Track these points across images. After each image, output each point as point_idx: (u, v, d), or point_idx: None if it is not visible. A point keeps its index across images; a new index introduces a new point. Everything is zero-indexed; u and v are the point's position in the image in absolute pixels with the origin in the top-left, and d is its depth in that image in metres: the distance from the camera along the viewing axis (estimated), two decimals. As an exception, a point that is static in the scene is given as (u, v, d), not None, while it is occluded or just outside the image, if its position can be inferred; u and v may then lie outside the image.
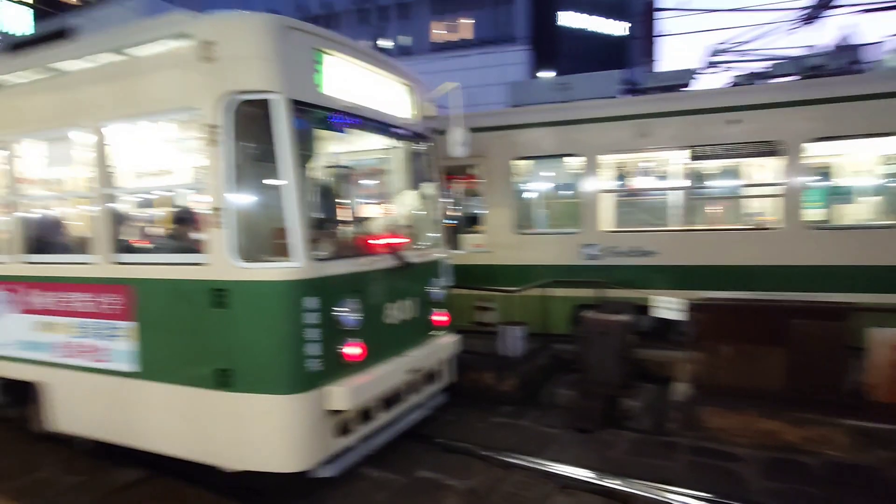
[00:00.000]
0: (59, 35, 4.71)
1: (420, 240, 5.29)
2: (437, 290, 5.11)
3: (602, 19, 41.35)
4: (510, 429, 5.31)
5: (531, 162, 7.78)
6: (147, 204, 5.01)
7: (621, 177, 7.75)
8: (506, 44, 38.02)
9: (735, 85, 7.80)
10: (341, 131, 4.26)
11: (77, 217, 4.99)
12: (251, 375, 3.58)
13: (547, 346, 6.91)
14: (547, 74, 28.83)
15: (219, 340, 3.64)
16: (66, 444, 4.67)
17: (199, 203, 3.79)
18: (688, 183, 6.99)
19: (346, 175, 4.92)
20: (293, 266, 3.51)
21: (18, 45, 5.16)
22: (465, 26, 39.80)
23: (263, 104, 3.51)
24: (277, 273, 3.54)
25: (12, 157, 4.73)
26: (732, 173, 7.49)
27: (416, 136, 5.11)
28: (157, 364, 3.96)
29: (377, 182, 5.66)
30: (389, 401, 4.38)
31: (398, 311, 4.50)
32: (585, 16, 40.78)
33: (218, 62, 3.55)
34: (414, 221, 5.38)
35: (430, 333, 5.05)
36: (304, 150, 3.92)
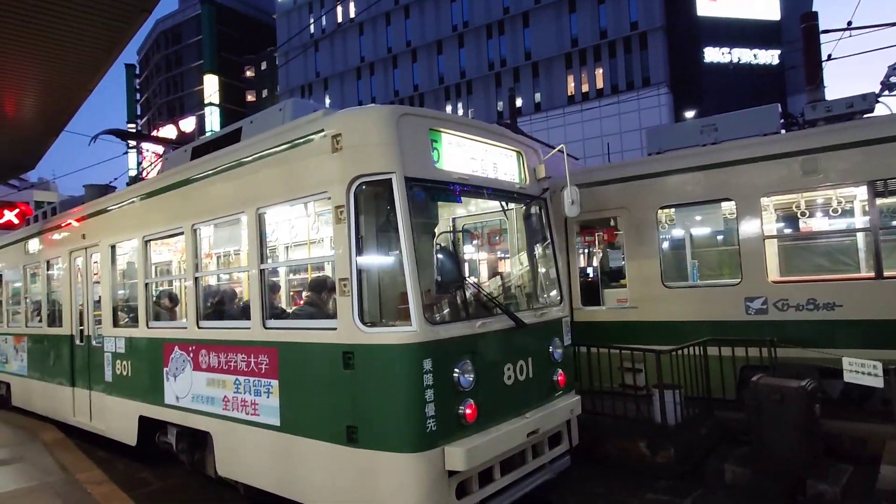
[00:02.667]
0: (231, 139, 5.52)
1: (538, 299, 5.32)
2: (557, 349, 4.98)
3: (748, 50, 38.62)
4: (670, 508, 4.72)
5: (679, 210, 7.25)
6: (292, 275, 5.60)
7: (790, 219, 6.89)
8: (643, 88, 37.00)
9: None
10: (457, 200, 4.69)
11: (238, 288, 5.71)
12: (374, 433, 3.74)
13: (708, 413, 6.16)
14: (689, 115, 27.34)
15: (347, 399, 3.86)
16: (234, 489, 5.08)
17: (332, 274, 4.08)
18: (877, 222, 5.97)
19: (463, 240, 5.08)
20: (409, 330, 3.69)
21: (199, 148, 6.09)
22: (599, 76, 39.60)
23: (385, 183, 3.84)
24: (395, 337, 3.74)
25: (197, 239, 5.43)
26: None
27: (529, 198, 5.21)
28: (295, 419, 4.24)
29: (494, 245, 5.79)
30: (510, 463, 4.30)
31: (517, 372, 4.46)
32: (727, 49, 38.43)
33: (344, 151, 3.95)
34: (531, 281, 5.46)
35: (552, 394, 4.88)
36: (422, 220, 4.36)
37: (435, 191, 4.25)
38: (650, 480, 5.21)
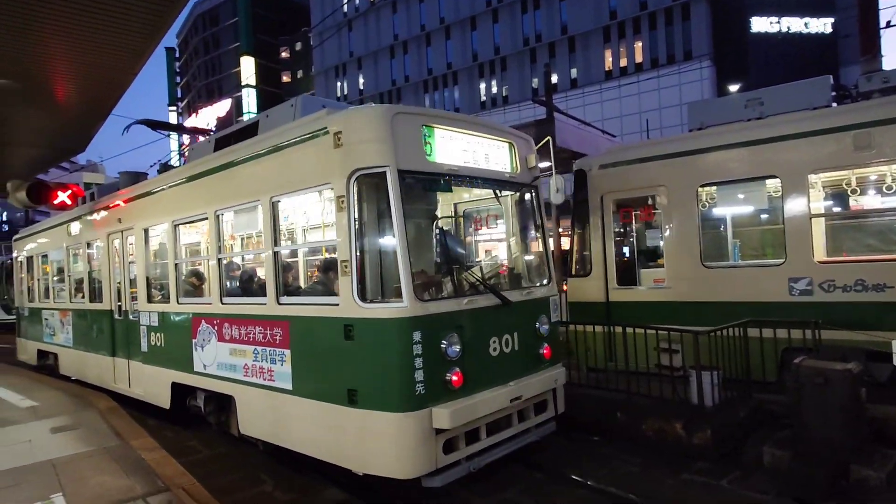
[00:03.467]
0: (249, 132, 5.97)
1: (527, 280, 5.79)
2: (544, 325, 5.39)
3: (798, 19, 36.65)
4: (706, 490, 4.69)
5: (721, 188, 7.02)
6: (299, 257, 6.17)
7: (839, 197, 6.61)
8: (684, 62, 35.67)
9: None
10: (448, 189, 5.15)
11: (255, 268, 6.22)
12: (371, 395, 4.24)
13: (748, 396, 6.05)
14: (733, 89, 26.21)
15: (348, 366, 4.39)
16: (254, 446, 5.64)
17: (335, 256, 4.57)
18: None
19: (454, 225, 5.61)
20: (401, 306, 4.15)
21: (221, 139, 6.57)
22: (638, 49, 38.31)
23: (380, 175, 4.27)
24: (388, 312, 4.22)
25: (219, 224, 5.97)
26: None
27: (520, 186, 5.62)
28: (305, 383, 4.77)
29: (488, 229, 6.28)
30: (496, 425, 4.77)
31: (503, 345, 4.89)
32: (776, 18, 36.55)
33: (345, 146, 4.39)
34: (520, 263, 5.91)
35: (537, 365, 5.26)
36: (414, 207, 4.87)
37: (427, 181, 4.71)
38: (686, 461, 5.18)
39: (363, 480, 4.46)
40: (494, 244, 6.37)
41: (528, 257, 5.94)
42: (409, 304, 4.14)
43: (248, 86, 60.37)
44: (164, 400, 6.84)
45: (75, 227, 9.54)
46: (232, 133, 6.47)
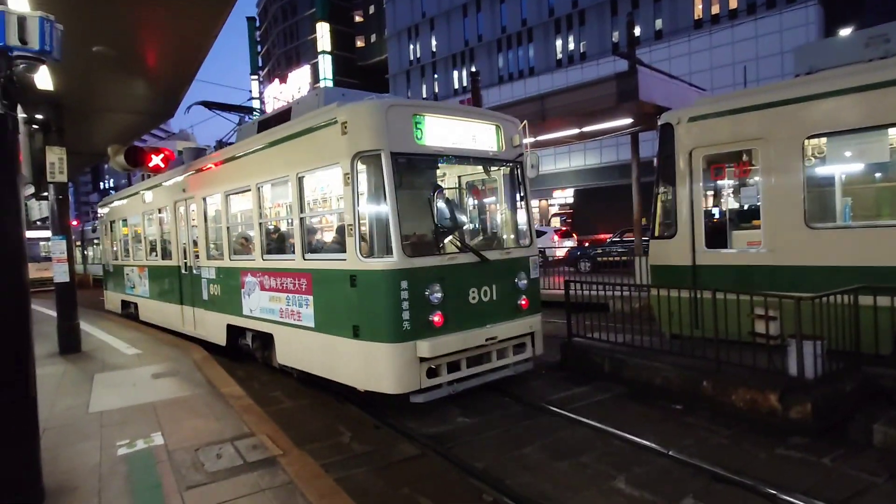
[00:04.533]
0: (284, 117, 7.18)
1: (508, 242, 6.83)
2: (522, 280, 6.37)
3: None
4: (804, 466, 4.32)
5: (831, 139, 6.26)
6: (320, 221, 7.18)
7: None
8: (787, 5, 32.19)
9: None
10: (435, 167, 6.33)
11: (287, 231, 7.20)
12: (370, 330, 5.38)
13: (856, 368, 5.49)
14: (844, 33, 23.36)
15: (353, 307, 5.52)
16: (289, 374, 7.08)
17: (343, 221, 5.68)
18: None
19: (453, 194, 6.67)
20: (391, 261, 5.25)
21: (262, 122, 7.74)
22: (732, -6, 34.92)
23: (376, 156, 5.32)
24: (381, 265, 5.30)
25: (260, 195, 7.20)
26: None
27: (504, 162, 6.56)
28: (323, 322, 6.01)
29: (474, 198, 7.21)
30: (477, 360, 5.87)
31: (481, 295, 5.89)
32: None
33: (349, 134, 5.43)
34: (502, 227, 6.99)
35: (514, 313, 6.24)
36: (408, 181, 5.78)
37: (416, 160, 5.71)
38: (782, 436, 4.80)
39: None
40: (484, 211, 7.37)
41: (510, 223, 6.91)
42: (398, 259, 5.23)
43: (323, 52, 61.36)
44: (221, 339, 8.32)
45: (148, 195, 11.10)
46: (271, 117, 7.66)
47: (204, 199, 8.62)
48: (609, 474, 4.24)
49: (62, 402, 5.93)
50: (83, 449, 4.52)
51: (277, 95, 54.62)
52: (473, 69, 42.69)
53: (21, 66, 3.16)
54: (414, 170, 5.92)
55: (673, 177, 7.35)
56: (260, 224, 7.20)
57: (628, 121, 12.70)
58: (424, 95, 50.96)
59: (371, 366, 5.41)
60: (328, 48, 61.44)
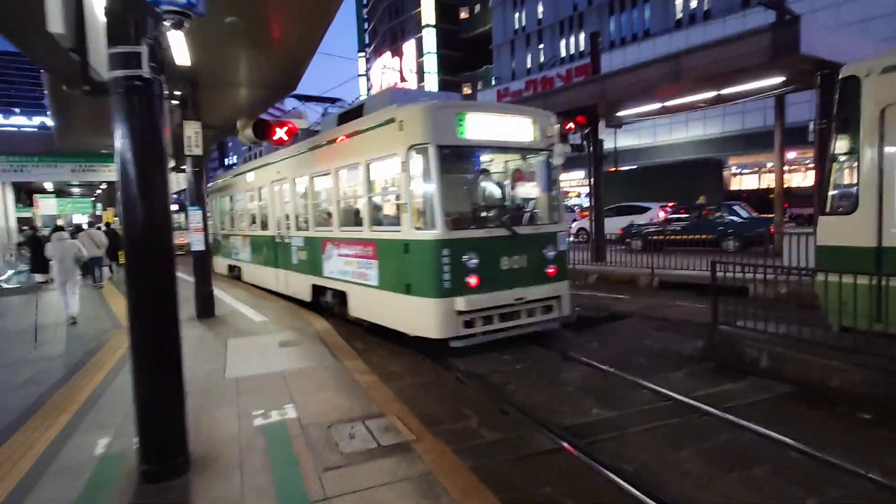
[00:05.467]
0: (357, 112, 8.56)
1: (538, 219, 7.69)
2: (550, 252, 7.34)
3: None
4: None
5: None
6: (382, 200, 8.03)
7: None
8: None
9: None
10: (475, 156, 7.61)
11: (357, 207, 8.38)
12: (418, 287, 6.64)
13: None
14: None
15: (406, 269, 6.83)
16: (361, 326, 8.27)
17: (399, 199, 6.93)
18: None
19: (481, 177, 7.56)
20: (436, 232, 6.43)
21: (342, 115, 9.24)
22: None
23: (426, 147, 6.49)
24: (429, 235, 6.49)
25: (337, 177, 8.50)
26: None
27: (537, 151, 7.59)
28: (384, 281, 7.33)
29: (509, 180, 8.11)
30: (509, 316, 7.01)
31: (512, 263, 6.97)
32: None
33: (405, 130, 6.64)
34: (535, 207, 7.83)
35: (542, 279, 7.25)
36: (453, 167, 7.10)
37: (459, 150, 6.96)
38: None
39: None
40: (520, 192, 8.13)
41: (542, 202, 7.81)
42: (441, 231, 6.42)
43: (427, 25, 61.31)
44: (307, 296, 9.90)
45: (250, 176, 13.13)
46: (349, 111, 9.20)
47: (293, 181, 10.22)
48: (796, 495, 3.55)
49: (202, 367, 6.20)
50: (222, 416, 4.60)
51: (388, 63, 55.67)
52: (584, 35, 40.39)
53: (168, 22, 3.04)
54: (457, 158, 7.17)
55: (855, 140, 6.15)
56: (337, 201, 8.54)
57: (778, 80, 11.10)
58: (529, 66, 49.29)
59: (419, 316, 6.69)
60: (432, 21, 61.26)
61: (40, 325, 8.79)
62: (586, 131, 14.56)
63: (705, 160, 30.17)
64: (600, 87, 13.36)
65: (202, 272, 9.27)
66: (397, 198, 6.96)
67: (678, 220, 16.77)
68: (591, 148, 14.51)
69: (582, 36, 44.78)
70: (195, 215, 9.07)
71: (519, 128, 7.31)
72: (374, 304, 7.59)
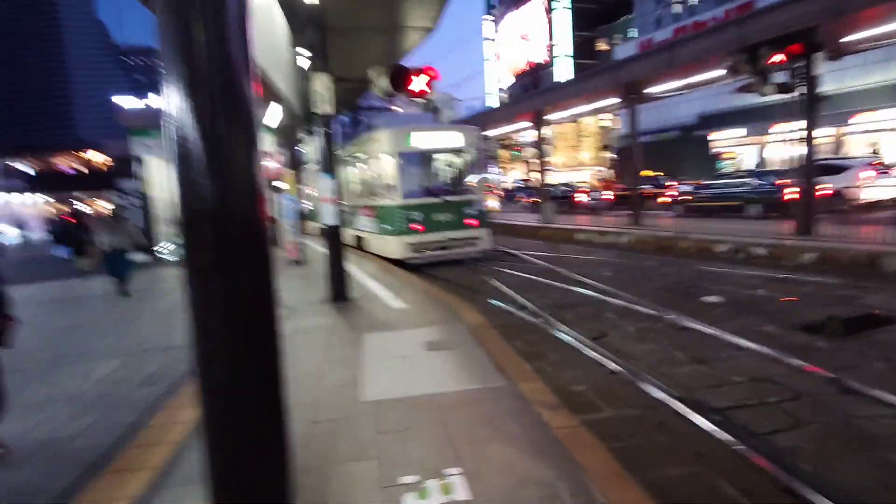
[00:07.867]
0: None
1: (463, 191, 12.99)
2: (470, 211, 12.69)
3: None
4: None
5: None
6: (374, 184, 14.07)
7: None
8: None
9: None
10: (420, 156, 12.92)
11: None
12: (391, 231, 12.56)
13: None
14: None
15: (389, 221, 12.62)
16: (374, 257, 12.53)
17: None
18: None
19: (426, 167, 13.07)
20: (398, 200, 12.26)
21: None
22: None
23: (395, 153, 12.44)
24: (393, 202, 12.35)
25: (367, 166, 14.07)
26: None
27: (464, 150, 13.21)
28: (380, 228, 13.23)
29: (445, 170, 13.43)
30: (444, 247, 12.53)
31: (443, 217, 12.39)
32: None
33: (383, 143, 12.72)
34: (462, 185, 13.22)
35: (464, 227, 12.66)
36: (409, 162, 12.57)
37: (410, 153, 12.54)
38: None
39: None
40: (451, 176, 13.41)
41: (466, 182, 13.27)
42: (400, 199, 12.14)
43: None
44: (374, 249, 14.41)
45: (361, 153, 16.00)
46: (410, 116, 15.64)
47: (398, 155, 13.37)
48: None
49: (332, 375, 4.85)
50: (355, 480, 3.07)
51: (521, 31, 52.64)
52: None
53: None
54: (410, 158, 12.47)
55: None
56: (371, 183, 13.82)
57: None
58: (679, 11, 43.22)
59: (391, 247, 12.46)
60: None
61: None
62: (796, 66, 11.20)
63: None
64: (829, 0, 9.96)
65: (335, 250, 8.08)
66: (384, 179, 12.59)
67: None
68: (807, 87, 11.12)
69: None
70: (326, 183, 7.85)
71: (452, 137, 13.08)
72: (376, 242, 13.52)
